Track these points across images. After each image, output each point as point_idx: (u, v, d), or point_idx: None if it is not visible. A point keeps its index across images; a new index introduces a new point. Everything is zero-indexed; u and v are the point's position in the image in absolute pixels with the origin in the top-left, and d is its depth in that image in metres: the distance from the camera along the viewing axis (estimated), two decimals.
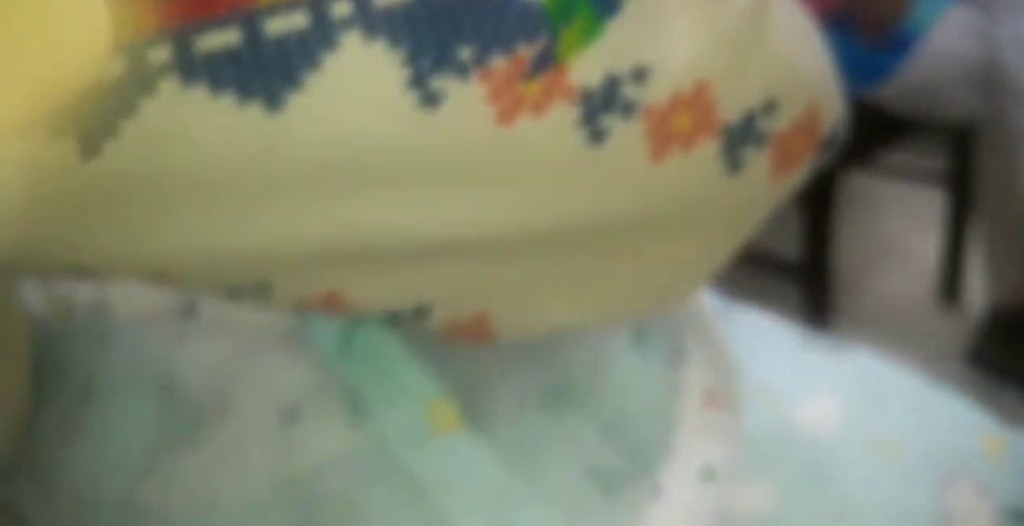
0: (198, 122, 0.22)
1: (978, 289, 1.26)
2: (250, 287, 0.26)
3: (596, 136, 0.25)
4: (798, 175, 0.29)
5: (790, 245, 1.19)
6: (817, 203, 1.12)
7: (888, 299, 1.39)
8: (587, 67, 0.24)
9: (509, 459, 0.33)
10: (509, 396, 0.35)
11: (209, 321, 0.34)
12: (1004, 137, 1.04)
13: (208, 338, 0.34)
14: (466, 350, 0.34)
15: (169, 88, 0.21)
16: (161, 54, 0.21)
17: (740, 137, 0.26)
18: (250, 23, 0.21)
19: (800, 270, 1.14)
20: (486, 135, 0.24)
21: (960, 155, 1.24)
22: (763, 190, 0.28)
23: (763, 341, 0.43)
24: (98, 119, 0.21)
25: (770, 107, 0.27)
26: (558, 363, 0.36)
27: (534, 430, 0.34)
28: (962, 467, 0.39)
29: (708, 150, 0.26)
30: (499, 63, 0.23)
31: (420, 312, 0.28)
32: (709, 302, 0.42)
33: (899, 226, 1.57)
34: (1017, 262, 1.08)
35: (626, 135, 0.25)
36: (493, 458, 0.32)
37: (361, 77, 0.22)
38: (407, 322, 0.29)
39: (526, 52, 0.23)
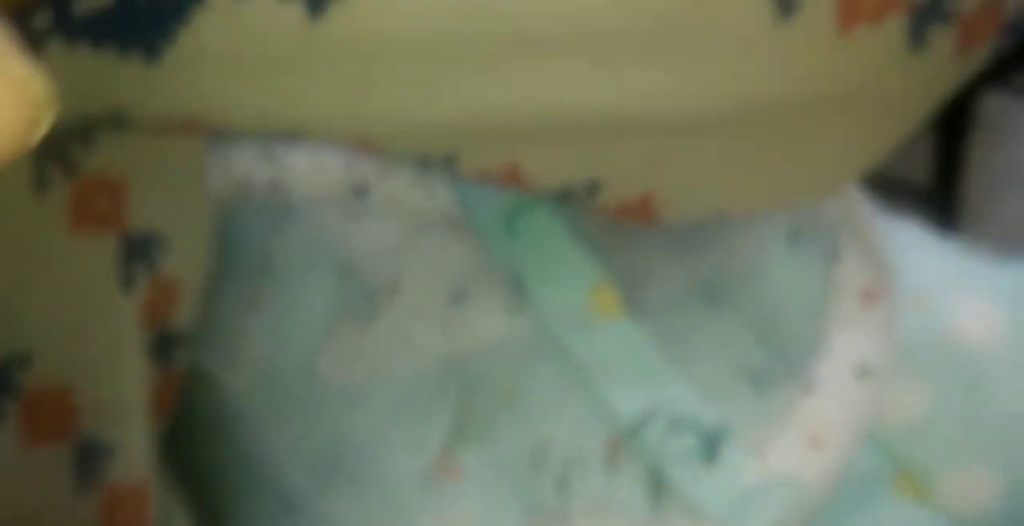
0: None
1: None
2: (439, 157, 0.27)
3: (787, 8, 0.24)
4: (979, 59, 0.28)
5: (918, 171, 1.14)
6: (950, 125, 1.07)
7: (1015, 225, 1.33)
8: None
9: (666, 348, 0.34)
10: (666, 288, 0.35)
11: (380, 202, 0.35)
12: None
13: (379, 219, 0.35)
14: (627, 241, 0.35)
15: None
16: None
17: (928, 14, 0.26)
18: None
19: (929, 194, 1.09)
20: (682, 6, 0.24)
21: None
22: (943, 71, 0.28)
23: (922, 248, 0.42)
24: None
25: None
26: (714, 259, 0.36)
27: (690, 323, 0.35)
28: None
29: (895, 26, 0.25)
30: None
31: (591, 189, 0.28)
32: (868, 205, 0.41)
33: None
34: None
35: (816, 8, 0.24)
36: (652, 345, 0.33)
37: None
38: (578, 199, 0.29)
39: None
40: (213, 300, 0.35)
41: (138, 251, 0.29)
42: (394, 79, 0.24)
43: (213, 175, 0.36)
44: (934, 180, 1.09)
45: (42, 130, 0.12)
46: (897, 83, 0.28)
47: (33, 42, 0.22)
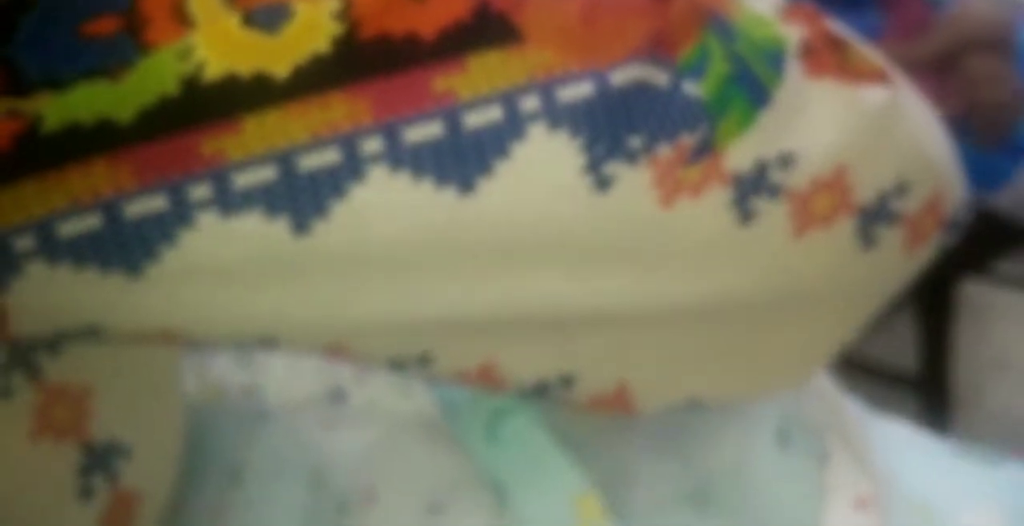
0: (400, 204, 0.24)
1: None
2: (414, 359, 0.27)
3: (746, 216, 0.26)
4: (926, 254, 0.31)
5: (905, 357, 1.15)
6: (934, 313, 1.09)
7: (1005, 414, 1.32)
8: (740, 154, 0.26)
9: None
10: (652, 494, 0.34)
11: (357, 408, 0.34)
12: None
13: (356, 426, 0.34)
14: (611, 443, 0.34)
15: (378, 174, 0.23)
16: (373, 144, 0.23)
17: (874, 217, 0.28)
18: (451, 116, 0.23)
19: (917, 382, 1.09)
20: (650, 216, 0.25)
21: None
22: (893, 267, 0.30)
23: (912, 450, 0.41)
24: (310, 200, 0.23)
25: (901, 189, 0.28)
26: (701, 463, 0.35)
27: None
28: None
29: (845, 229, 0.28)
30: (665, 151, 0.25)
31: (566, 382, 0.29)
32: (852, 408, 0.41)
33: (1017, 338, 1.50)
34: None
35: (772, 216, 0.26)
36: None
37: (544, 164, 0.24)
38: (554, 393, 0.29)
39: (688, 141, 0.25)
40: (179, 509, 0.33)
41: (99, 461, 0.29)
42: (372, 288, 0.25)
43: (188, 380, 0.35)
44: (922, 368, 1.09)
45: None
46: (850, 279, 0.30)
47: (13, 264, 0.23)
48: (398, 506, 0.33)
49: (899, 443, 0.40)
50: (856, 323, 0.32)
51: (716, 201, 0.26)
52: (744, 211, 0.26)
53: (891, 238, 0.29)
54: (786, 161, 0.26)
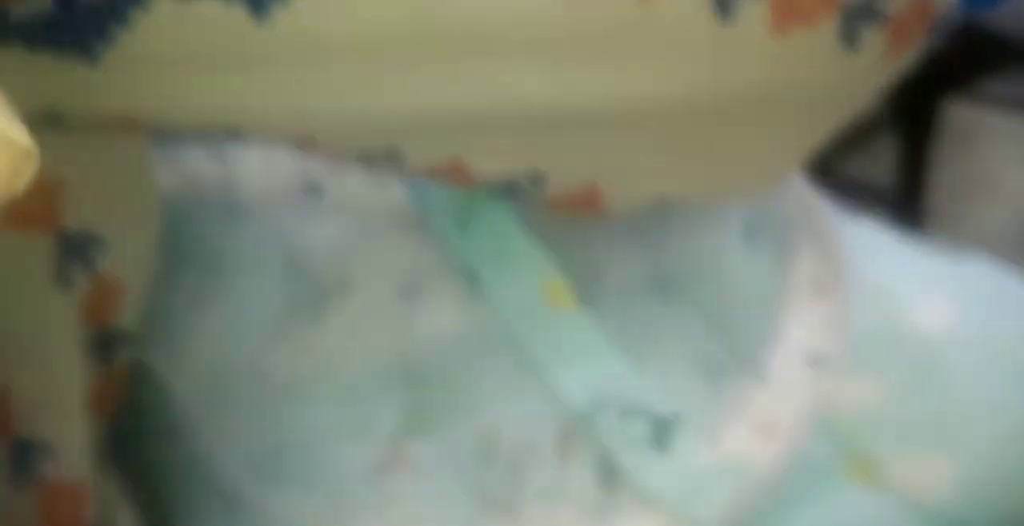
0: None
1: None
2: (382, 152, 0.27)
3: (724, 10, 0.25)
4: (909, 57, 0.30)
5: (886, 177, 1.16)
6: (916, 130, 1.09)
7: (979, 233, 1.35)
8: None
9: (620, 339, 0.34)
10: (620, 281, 0.35)
11: (333, 201, 0.35)
12: None
13: (332, 217, 0.35)
14: (581, 234, 0.35)
15: None
16: None
17: (859, 15, 0.27)
18: None
19: (894, 200, 1.10)
20: (627, 9, 0.25)
21: None
22: (873, 71, 0.29)
23: (878, 244, 0.42)
24: None
25: None
26: (669, 252, 0.36)
27: (645, 315, 0.35)
28: None
29: (828, 27, 0.27)
30: None
31: (536, 180, 0.29)
32: (823, 203, 0.41)
33: (997, 159, 1.51)
34: None
35: (752, 10, 0.25)
36: (605, 335, 0.33)
37: None
38: (524, 190, 0.29)
39: None
40: (160, 298, 0.34)
41: (75, 250, 0.29)
42: (337, 77, 0.25)
43: (162, 174, 0.35)
44: (899, 186, 1.10)
45: (25, 179, 0.12)
46: (831, 81, 0.29)
47: None
48: (373, 293, 0.34)
49: (864, 236, 0.42)
50: (829, 128, 0.31)
51: None
52: (723, 5, 0.25)
53: (874, 39, 0.28)
54: None
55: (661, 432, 0.32)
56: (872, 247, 0.41)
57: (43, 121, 0.25)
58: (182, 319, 0.35)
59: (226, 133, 0.28)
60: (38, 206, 0.28)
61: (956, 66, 1.19)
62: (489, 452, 0.33)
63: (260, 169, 0.35)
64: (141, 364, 0.34)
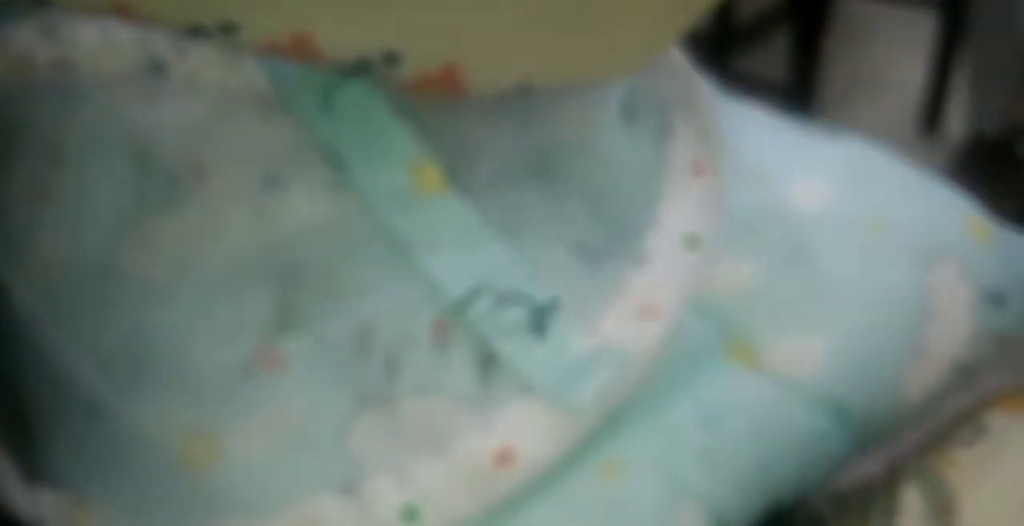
0: None
1: (960, 116, 1.24)
2: (216, 26, 0.25)
3: None
4: None
5: (781, 69, 1.16)
6: (808, 26, 1.09)
7: (871, 125, 1.38)
8: None
9: (495, 223, 0.32)
10: (494, 164, 0.33)
11: (179, 81, 0.32)
12: None
13: (180, 99, 0.32)
14: (452, 116, 0.33)
15: None
16: None
17: None
18: None
19: (786, 91, 1.12)
20: None
21: None
22: None
23: (756, 124, 0.42)
24: None
25: None
26: (545, 134, 0.34)
27: (520, 198, 0.33)
28: (948, 248, 0.39)
29: None
30: None
31: (390, 60, 0.28)
32: (704, 85, 0.40)
33: (887, 52, 1.54)
34: (1002, 90, 1.06)
35: None
36: (478, 220, 0.32)
37: None
38: (377, 71, 0.28)
39: None
40: None
41: None
42: None
43: None
44: (792, 79, 1.11)
45: None
46: None
47: None
48: (231, 181, 0.32)
49: (744, 118, 0.41)
50: (694, 15, 0.31)
51: None
52: None
53: None
54: None
55: (538, 318, 0.31)
56: (750, 128, 0.40)
57: None
58: (19, 214, 0.32)
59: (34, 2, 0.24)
60: None
61: None
62: (364, 346, 0.31)
63: (97, 47, 0.32)
64: None
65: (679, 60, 0.39)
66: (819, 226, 0.37)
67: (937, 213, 0.41)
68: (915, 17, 1.44)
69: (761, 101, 1.21)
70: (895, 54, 1.50)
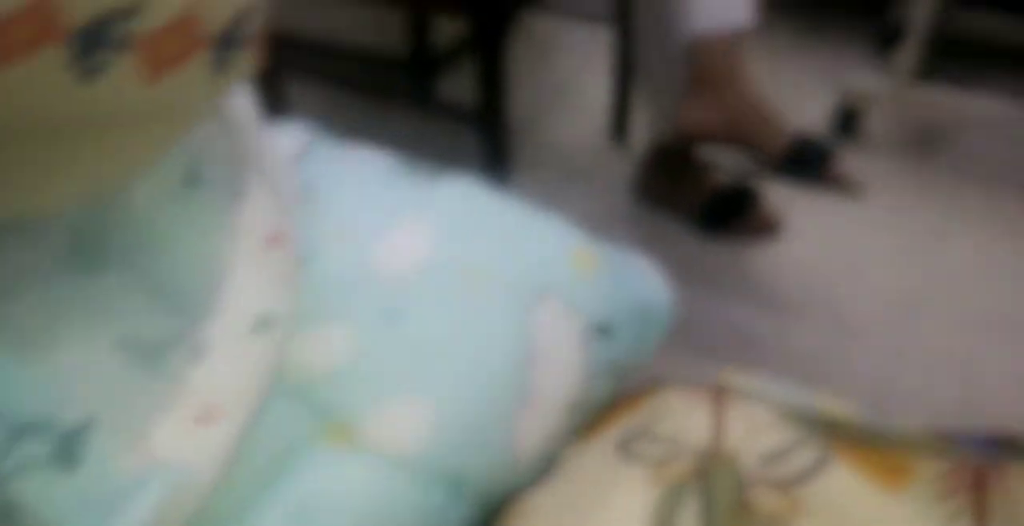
0: None
1: (642, 126, 1.32)
2: None
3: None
4: (189, 74, 0.29)
5: (469, 94, 1.17)
6: (488, 48, 1.10)
7: (562, 140, 1.43)
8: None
9: (22, 338, 0.27)
10: (25, 262, 0.29)
11: None
12: None
13: None
14: None
15: None
16: None
17: (89, 43, 0.26)
18: None
19: (476, 117, 1.12)
20: None
21: None
22: (134, 94, 0.28)
23: (351, 176, 0.39)
24: None
25: (129, 11, 0.26)
26: (86, 222, 0.30)
27: (55, 298, 0.29)
28: (551, 285, 0.39)
29: (51, 58, 0.25)
30: None
31: None
32: (288, 140, 0.38)
33: (572, 68, 1.61)
34: (670, 97, 1.13)
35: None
36: None
37: None
38: None
39: None
40: None
41: None
42: None
43: None
44: (481, 102, 1.12)
45: None
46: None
47: None
48: None
49: (338, 170, 0.39)
50: (170, 137, 0.31)
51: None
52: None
53: (121, 64, 0.27)
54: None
55: (67, 447, 0.27)
56: (346, 181, 0.38)
57: None
58: None
59: None
60: None
61: None
62: None
63: None
64: None
65: (249, 116, 0.36)
66: (413, 283, 0.35)
67: (540, 250, 0.40)
68: (595, 32, 1.51)
69: (458, 125, 1.21)
70: (582, 69, 1.58)
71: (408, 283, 0.36)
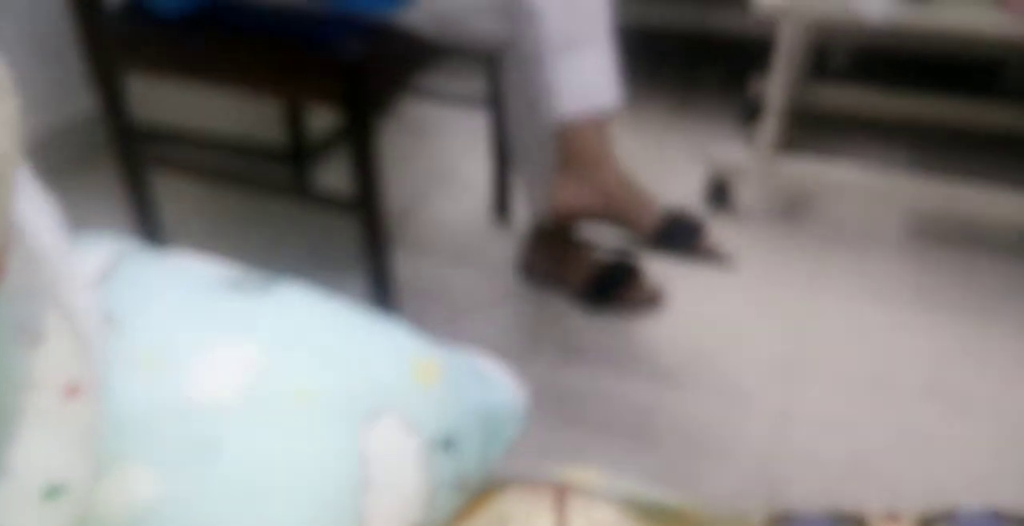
0: None
1: (524, 206, 1.34)
2: None
3: None
4: None
5: (346, 184, 1.17)
6: (362, 137, 1.10)
7: (446, 222, 1.44)
8: None
9: None
10: None
11: None
12: (522, 58, 1.09)
13: None
14: None
15: None
16: None
17: None
18: None
19: (353, 204, 1.12)
20: None
21: (496, 77, 1.29)
22: None
23: (168, 292, 0.37)
24: None
25: None
26: None
27: None
28: (389, 402, 0.38)
29: None
30: None
31: None
32: (94, 258, 0.36)
33: (452, 151, 1.63)
34: (544, 178, 1.15)
35: None
36: None
37: None
38: None
39: None
40: None
41: None
42: None
43: None
44: (358, 190, 1.12)
45: None
46: None
47: None
48: None
49: (156, 288, 0.37)
50: None
51: None
52: None
53: None
54: None
55: None
56: (160, 302, 0.36)
57: None
58: None
59: None
60: None
61: (396, 69, 1.24)
62: None
63: None
64: None
65: (51, 241, 0.34)
66: (233, 410, 0.33)
67: (376, 366, 0.39)
68: (472, 116, 1.54)
69: (338, 213, 1.19)
70: (462, 152, 1.60)
71: (227, 411, 0.33)
